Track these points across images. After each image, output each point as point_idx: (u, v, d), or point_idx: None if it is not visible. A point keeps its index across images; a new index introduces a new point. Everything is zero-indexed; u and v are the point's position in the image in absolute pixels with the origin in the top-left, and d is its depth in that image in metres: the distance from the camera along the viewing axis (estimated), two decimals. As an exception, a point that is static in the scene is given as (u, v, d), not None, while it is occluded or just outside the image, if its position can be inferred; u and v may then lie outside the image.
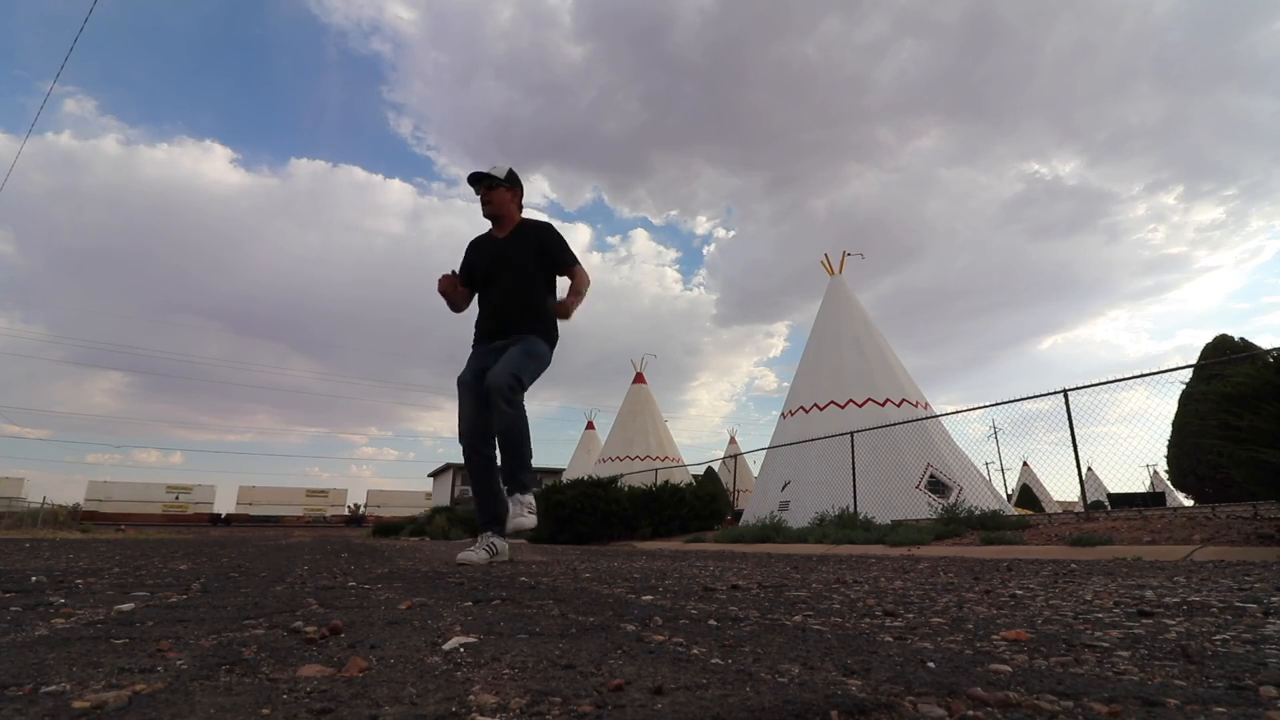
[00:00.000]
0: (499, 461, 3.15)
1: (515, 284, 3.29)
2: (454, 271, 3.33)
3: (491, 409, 3.02)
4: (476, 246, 3.48)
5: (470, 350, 3.41)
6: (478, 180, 3.34)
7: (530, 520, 3.00)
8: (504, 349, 3.21)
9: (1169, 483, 13.93)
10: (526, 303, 3.28)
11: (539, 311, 3.29)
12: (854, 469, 9.02)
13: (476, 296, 3.45)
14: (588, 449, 26.28)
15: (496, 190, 3.33)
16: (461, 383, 3.25)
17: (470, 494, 3.46)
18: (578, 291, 3.26)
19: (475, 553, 3.06)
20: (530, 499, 3.07)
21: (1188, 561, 3.25)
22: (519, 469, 3.08)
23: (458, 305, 3.41)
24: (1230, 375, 4.40)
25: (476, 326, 3.42)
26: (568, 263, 3.32)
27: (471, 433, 3.15)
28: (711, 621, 1.28)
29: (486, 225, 3.50)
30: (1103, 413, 7.19)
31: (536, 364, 3.19)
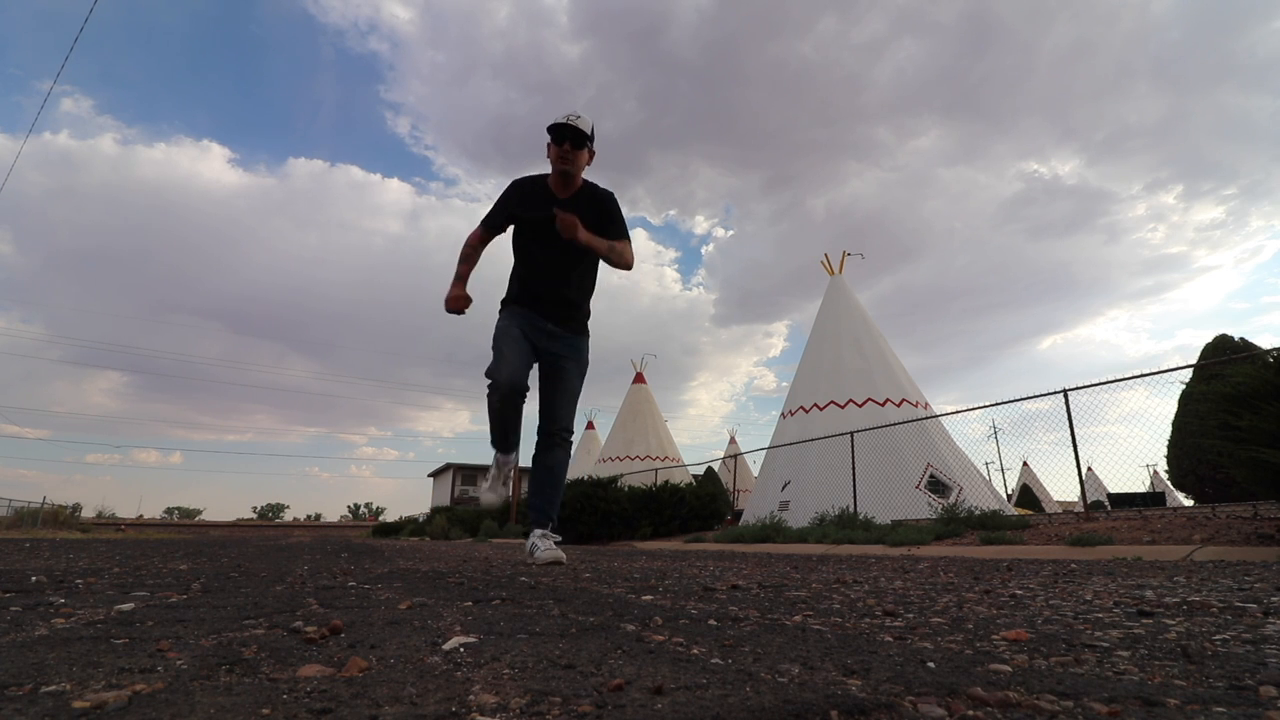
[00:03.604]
0: (545, 496, 3.15)
1: (578, 261, 3.08)
2: (456, 297, 3.12)
3: (554, 453, 3.13)
4: (527, 195, 3.07)
5: (512, 311, 3.14)
6: (564, 133, 2.91)
7: (560, 554, 3.06)
8: (558, 342, 3.12)
9: (1169, 483, 13.94)
10: (581, 280, 3.14)
11: (588, 297, 3.22)
12: (854, 469, 9.02)
13: (518, 256, 3.16)
14: (588, 449, 26.31)
15: (582, 151, 2.98)
16: (510, 335, 3.04)
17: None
18: (618, 251, 3.03)
19: (494, 491, 3.13)
20: (553, 535, 3.13)
21: (1188, 561, 3.25)
22: (556, 506, 3.14)
23: (472, 263, 3.18)
24: (1230, 375, 4.40)
25: (521, 284, 3.14)
26: (624, 235, 3.10)
27: (514, 379, 2.99)
28: (711, 621, 1.28)
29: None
30: (1103, 413, 7.20)
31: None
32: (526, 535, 3.22)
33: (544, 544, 3.02)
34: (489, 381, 3.00)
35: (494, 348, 3.06)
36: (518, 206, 3.09)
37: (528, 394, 3.08)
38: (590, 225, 3.01)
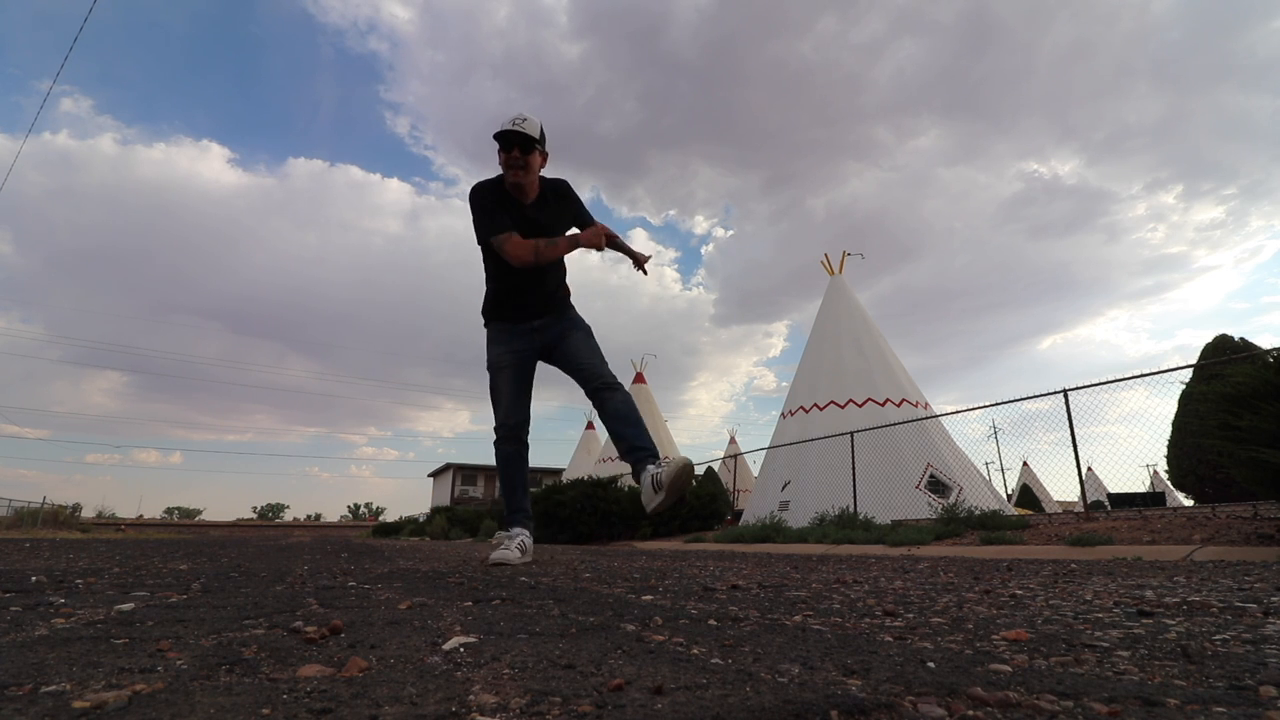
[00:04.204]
0: (629, 437, 2.86)
1: (556, 262, 3.04)
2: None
3: (609, 398, 2.92)
4: (503, 206, 2.91)
5: (496, 328, 3.12)
6: (511, 140, 2.79)
7: (688, 470, 2.71)
8: (554, 325, 3.08)
9: (1169, 483, 13.93)
10: (558, 272, 3.11)
11: (564, 279, 3.18)
12: (854, 469, 9.02)
13: (492, 263, 3.04)
14: (588, 449, 26.27)
15: (533, 155, 2.83)
16: (502, 365, 3.02)
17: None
18: (613, 235, 3.09)
19: (509, 550, 2.89)
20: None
21: (1188, 561, 3.25)
22: (647, 436, 2.87)
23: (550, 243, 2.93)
24: (1230, 375, 4.40)
25: (500, 301, 3.07)
26: (591, 221, 3.11)
27: (516, 419, 3.01)
28: (711, 621, 1.28)
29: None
30: (1103, 413, 7.20)
31: None
32: (638, 478, 2.82)
33: (662, 469, 2.67)
34: (495, 428, 3.06)
35: (491, 387, 3.07)
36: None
37: (528, 440, 3.09)
38: (563, 221, 3.04)
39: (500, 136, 2.81)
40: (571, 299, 3.26)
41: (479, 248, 3.04)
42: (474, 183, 3.00)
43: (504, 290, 3.07)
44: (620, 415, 2.90)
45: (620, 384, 3.02)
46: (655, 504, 2.65)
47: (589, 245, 2.96)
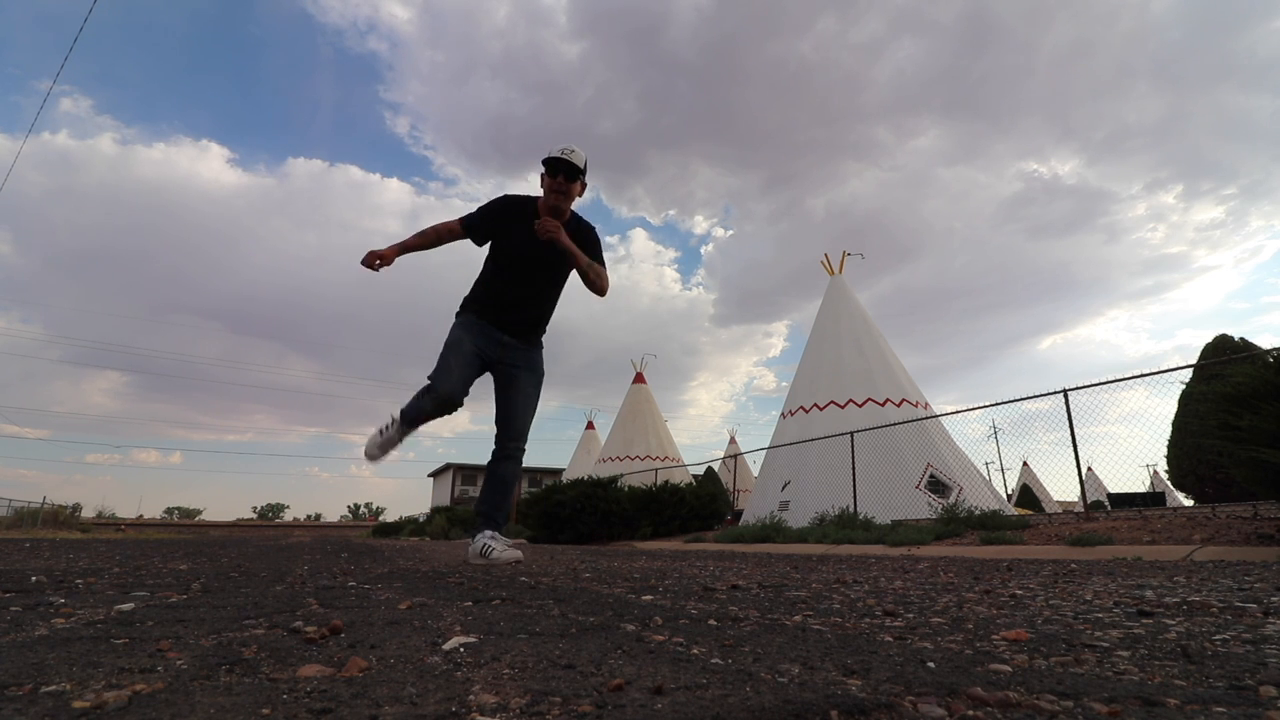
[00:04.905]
0: (494, 501, 3.15)
1: (551, 286, 3.16)
2: (378, 259, 2.95)
3: (509, 461, 3.14)
4: (514, 216, 3.06)
5: (467, 318, 3.15)
6: (558, 167, 2.94)
7: (519, 553, 3.04)
8: (513, 353, 3.13)
9: (1169, 483, 13.93)
10: (549, 304, 3.21)
11: (550, 317, 3.27)
12: (854, 469, 9.02)
13: (490, 268, 3.16)
14: (588, 449, 26.26)
15: (576, 184, 3.00)
16: (460, 350, 3.05)
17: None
18: (597, 270, 3.11)
19: (382, 449, 3.13)
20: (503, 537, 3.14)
21: (1188, 561, 3.25)
22: (505, 512, 3.17)
23: (427, 244, 3.09)
24: (1230, 375, 4.40)
25: (489, 296, 3.14)
26: (602, 263, 3.20)
27: (453, 395, 3.05)
28: (711, 621, 1.28)
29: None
30: (1103, 413, 7.19)
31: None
32: (472, 536, 3.13)
33: (499, 544, 3.00)
34: (428, 384, 3.07)
35: (442, 356, 3.08)
36: (501, 226, 3.08)
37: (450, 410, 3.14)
38: (569, 258, 3.06)
39: (548, 162, 2.98)
40: (544, 343, 3.32)
41: (482, 250, 3.15)
42: (509, 192, 3.18)
43: (492, 295, 3.14)
44: (504, 481, 3.19)
45: (523, 451, 3.23)
46: (474, 562, 2.99)
47: (541, 230, 2.93)
